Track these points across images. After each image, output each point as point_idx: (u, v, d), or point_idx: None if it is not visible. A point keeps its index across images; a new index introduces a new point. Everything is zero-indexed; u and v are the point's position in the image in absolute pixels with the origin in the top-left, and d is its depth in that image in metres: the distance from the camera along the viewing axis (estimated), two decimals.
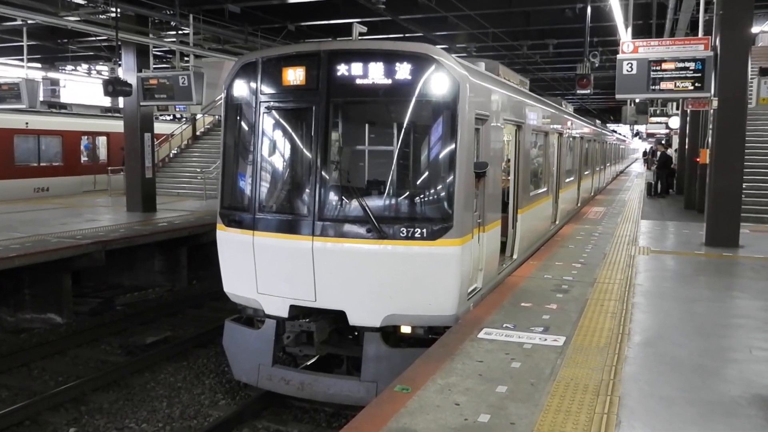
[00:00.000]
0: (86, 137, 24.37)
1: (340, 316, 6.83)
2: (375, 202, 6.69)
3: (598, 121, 35.14)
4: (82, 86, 33.88)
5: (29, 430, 7.52)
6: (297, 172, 7.26)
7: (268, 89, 7.15)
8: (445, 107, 6.61)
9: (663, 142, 32.12)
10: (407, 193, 6.81)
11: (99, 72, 28.93)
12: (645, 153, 56.35)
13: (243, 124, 7.45)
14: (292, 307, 6.96)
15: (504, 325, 6.23)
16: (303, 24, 18.74)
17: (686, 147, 21.49)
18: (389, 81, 6.59)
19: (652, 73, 10.46)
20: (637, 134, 68.53)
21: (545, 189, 11.80)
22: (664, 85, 10.46)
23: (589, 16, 15.30)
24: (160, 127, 23.60)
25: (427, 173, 6.87)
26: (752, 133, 15.91)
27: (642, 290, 7.88)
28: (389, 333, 6.87)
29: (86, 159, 24.34)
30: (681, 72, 10.37)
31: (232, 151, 7.64)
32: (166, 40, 17.48)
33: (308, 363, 8.07)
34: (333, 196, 6.81)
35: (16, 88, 14.64)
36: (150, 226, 14.31)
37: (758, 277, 8.85)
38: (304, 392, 6.95)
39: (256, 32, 19.21)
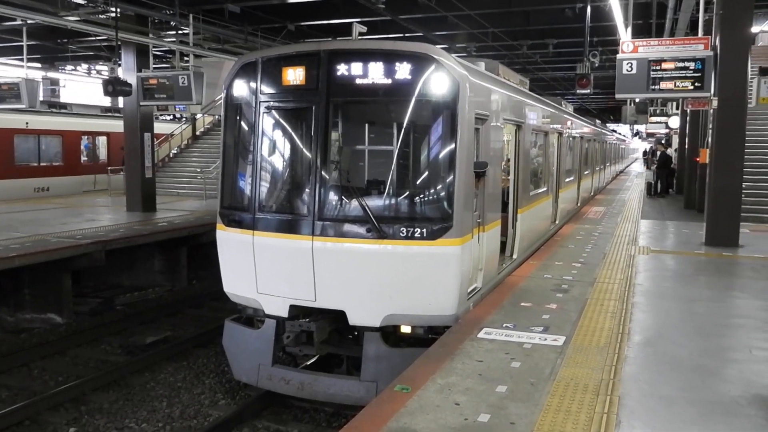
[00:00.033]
0: (86, 137, 24.37)
1: (340, 315, 6.83)
2: (375, 202, 6.69)
3: (597, 121, 35.14)
4: (81, 86, 33.89)
5: (29, 429, 7.52)
6: (297, 172, 7.26)
7: (267, 89, 7.15)
8: (444, 107, 6.61)
9: (663, 141, 32.12)
10: (407, 192, 6.80)
11: (99, 72, 28.93)
12: (645, 153, 56.36)
13: (243, 123, 7.45)
14: (291, 306, 6.97)
15: (504, 325, 6.23)
16: (303, 24, 18.74)
17: (686, 147, 21.50)
18: (389, 81, 6.59)
19: (651, 72, 10.46)
20: (636, 134, 68.51)
21: (545, 189, 11.80)
22: (663, 85, 10.46)
23: (588, 16, 15.29)
24: (159, 127, 23.60)
25: (426, 173, 6.87)
26: (752, 133, 15.90)
27: (642, 290, 7.88)
28: (389, 333, 6.87)
29: (86, 159, 24.34)
30: (681, 72, 10.36)
31: (231, 150, 7.64)
32: (165, 39, 17.48)
33: (308, 363, 8.06)
34: (333, 196, 6.81)
35: (15, 87, 14.64)
36: (150, 225, 14.31)
37: (758, 276, 8.85)
38: (304, 392, 6.95)
39: (256, 32, 19.20)
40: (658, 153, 27.13)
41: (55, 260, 11.03)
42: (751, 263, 9.76)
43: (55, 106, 27.69)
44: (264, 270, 7.07)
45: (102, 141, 25.07)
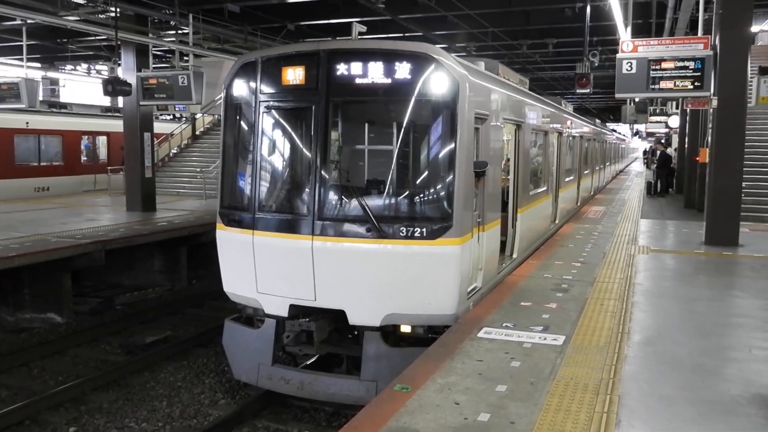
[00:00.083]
0: (86, 137, 24.37)
1: (339, 315, 6.83)
2: (375, 202, 6.69)
3: (597, 120, 35.15)
4: (81, 86, 33.87)
5: (29, 429, 7.53)
6: (297, 172, 7.26)
7: (267, 89, 7.15)
8: (444, 106, 6.61)
9: (663, 141, 32.10)
10: (407, 192, 6.81)
11: (98, 71, 28.92)
12: (645, 152, 56.36)
13: (242, 123, 7.45)
14: (291, 306, 6.97)
15: (504, 325, 6.24)
16: (302, 23, 18.74)
17: (686, 146, 21.49)
18: (389, 80, 6.59)
19: (651, 72, 10.46)
20: (636, 133, 68.53)
21: (545, 188, 11.80)
22: (663, 84, 10.46)
23: (588, 16, 15.29)
24: (159, 127, 23.59)
25: (426, 173, 6.87)
26: (752, 132, 15.90)
27: (642, 289, 7.88)
28: (389, 332, 6.87)
29: (86, 159, 24.35)
30: (680, 71, 10.37)
31: (231, 150, 7.64)
32: (165, 39, 17.49)
33: (308, 362, 8.06)
34: (333, 196, 6.81)
35: (15, 87, 14.63)
36: (150, 225, 14.31)
37: (758, 276, 8.85)
38: (304, 391, 6.95)
39: (256, 32, 19.20)
40: (658, 152, 27.12)
41: (55, 260, 11.03)
42: (751, 263, 9.76)
43: (55, 105, 27.68)
44: (264, 269, 7.07)
45: (102, 141, 25.07)
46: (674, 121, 26.82)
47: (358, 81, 6.67)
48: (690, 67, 10.33)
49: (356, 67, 6.65)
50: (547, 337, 5.84)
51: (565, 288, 7.82)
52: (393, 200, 6.77)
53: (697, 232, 12.32)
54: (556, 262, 9.48)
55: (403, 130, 6.78)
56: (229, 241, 7.39)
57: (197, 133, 27.00)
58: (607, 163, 29.70)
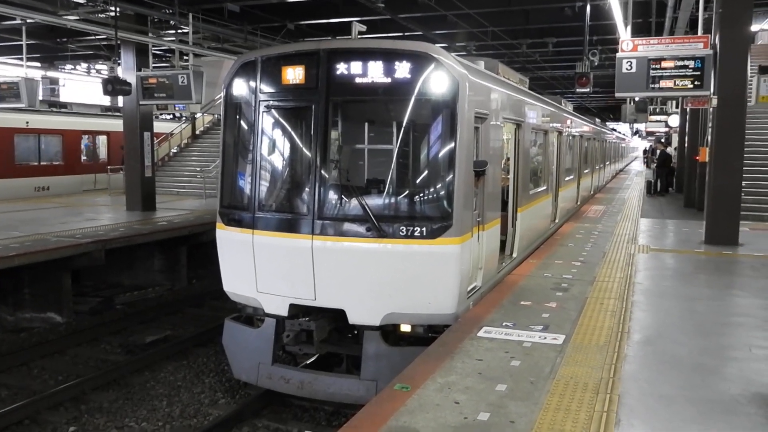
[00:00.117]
0: (86, 136, 24.37)
1: (339, 314, 6.83)
2: (374, 201, 6.69)
3: (597, 120, 35.16)
4: (81, 85, 33.86)
5: (29, 429, 7.53)
6: (296, 171, 7.26)
7: (267, 88, 7.15)
8: (444, 106, 6.61)
9: (662, 140, 32.08)
10: (407, 191, 6.81)
11: (98, 71, 28.91)
12: (645, 151, 56.34)
13: (242, 123, 7.45)
14: (291, 305, 6.97)
15: (504, 324, 6.24)
16: (302, 23, 18.73)
17: (686, 145, 21.48)
18: (389, 80, 6.59)
19: (651, 71, 10.46)
20: (636, 133, 68.51)
21: (545, 187, 11.80)
22: (663, 84, 10.47)
23: (588, 15, 15.29)
24: (159, 126, 23.59)
25: (426, 172, 6.87)
26: (752, 132, 15.90)
27: (641, 288, 7.88)
28: (389, 331, 6.87)
29: (86, 158, 24.34)
30: (680, 70, 10.37)
31: (231, 150, 7.64)
32: (165, 39, 17.49)
33: (308, 362, 8.06)
34: (332, 195, 6.81)
35: (15, 87, 14.63)
36: (149, 225, 14.31)
37: (758, 275, 8.85)
38: (304, 391, 6.96)
39: (256, 31, 19.19)
40: (658, 152, 27.11)
41: (55, 259, 11.03)
42: (751, 262, 9.76)
43: (55, 105, 27.67)
44: (264, 269, 7.07)
45: (102, 140, 25.07)
46: (674, 121, 26.82)
47: (358, 80, 6.67)
48: (690, 66, 10.33)
49: (356, 67, 6.65)
50: (547, 337, 5.84)
51: (565, 287, 7.82)
52: (393, 199, 6.76)
53: (697, 231, 12.32)
54: (556, 261, 9.48)
55: (402, 129, 6.78)
56: (229, 240, 7.39)
57: (197, 132, 27.00)
58: (607, 163, 29.70)
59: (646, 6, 16.45)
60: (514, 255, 9.44)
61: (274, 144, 7.36)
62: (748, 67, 11.20)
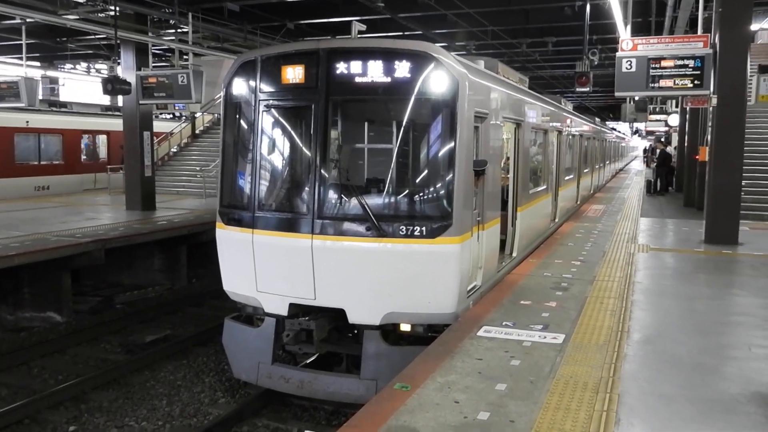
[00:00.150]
0: (86, 136, 24.37)
1: (339, 314, 6.83)
2: (374, 200, 6.69)
3: (597, 119, 35.16)
4: (81, 85, 33.85)
5: (29, 428, 7.53)
6: (296, 171, 7.26)
7: (267, 87, 7.15)
8: (444, 105, 6.61)
9: (662, 139, 32.08)
10: (407, 191, 6.81)
11: (98, 70, 28.89)
12: (645, 150, 56.34)
13: (242, 122, 7.45)
14: (291, 305, 6.97)
15: (503, 323, 6.24)
16: (302, 22, 18.72)
17: (686, 144, 21.49)
18: (388, 79, 6.59)
19: (651, 70, 10.47)
20: (636, 132, 68.52)
21: (545, 187, 11.80)
22: (663, 83, 10.47)
23: (588, 14, 15.27)
24: (159, 126, 23.59)
25: (426, 171, 6.87)
26: (751, 131, 15.90)
27: (641, 288, 7.89)
28: (389, 331, 6.87)
29: (86, 157, 24.34)
30: (680, 69, 10.37)
31: (231, 149, 7.64)
32: (165, 38, 17.47)
33: (308, 361, 8.07)
34: (332, 195, 6.81)
35: (15, 86, 14.64)
36: (149, 224, 14.30)
37: (758, 274, 8.86)
38: (304, 390, 6.96)
39: (255, 30, 19.18)
40: (658, 151, 27.11)
41: (55, 259, 11.02)
42: (751, 261, 9.77)
43: (55, 104, 27.68)
44: (263, 268, 7.07)
45: (102, 140, 25.08)
46: (674, 120, 26.81)
47: (357, 80, 6.67)
48: (690, 66, 10.34)
49: (356, 66, 6.65)
50: (546, 336, 5.84)
51: (564, 286, 7.83)
52: (393, 199, 6.76)
53: (696, 231, 12.32)
54: (556, 260, 9.48)
55: (402, 128, 6.77)
56: (229, 239, 7.39)
57: (197, 132, 26.99)
58: (607, 162, 29.71)
59: (645, 5, 16.45)
60: (514, 254, 9.45)
61: (273, 143, 7.36)
62: (748, 67, 11.19)
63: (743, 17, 10.93)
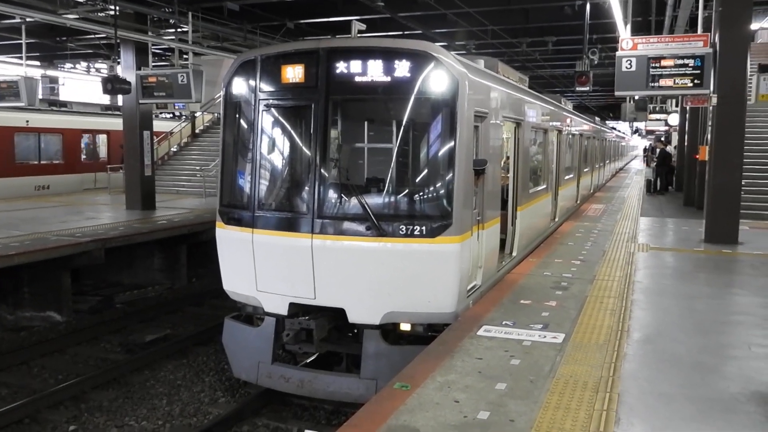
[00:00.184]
0: (86, 135, 24.37)
1: (339, 313, 6.83)
2: (374, 200, 6.69)
3: (597, 118, 35.16)
4: (81, 84, 33.79)
5: (29, 428, 7.53)
6: (296, 170, 7.25)
7: (267, 87, 7.15)
8: (444, 104, 6.61)
9: (662, 139, 32.07)
10: (406, 190, 6.81)
11: (98, 70, 28.87)
12: (645, 150, 56.32)
13: (242, 121, 7.45)
14: (291, 304, 6.97)
15: (503, 323, 6.24)
16: (302, 21, 18.71)
17: (685, 144, 21.49)
18: (388, 78, 6.59)
19: (651, 70, 10.47)
20: (636, 131, 68.45)
21: (544, 186, 11.80)
22: (663, 82, 10.47)
23: (588, 13, 15.27)
24: (159, 125, 23.59)
25: (426, 171, 6.87)
26: (751, 130, 15.90)
27: (641, 287, 7.89)
28: (389, 330, 6.87)
29: (86, 157, 24.34)
30: (680, 69, 10.37)
31: (231, 148, 7.64)
32: (165, 37, 17.46)
33: (308, 360, 8.07)
34: (332, 194, 6.81)
35: (15, 86, 14.62)
36: (149, 224, 14.30)
37: (757, 273, 8.85)
38: (304, 389, 6.96)
39: (255, 30, 19.17)
40: (658, 150, 27.10)
41: (55, 258, 11.02)
42: (751, 260, 9.77)
43: (55, 104, 27.67)
44: (263, 268, 7.07)
45: (102, 139, 25.08)
46: (674, 119, 26.82)
47: (357, 79, 6.67)
48: (690, 65, 10.34)
49: (356, 65, 6.65)
50: (546, 335, 5.84)
51: (564, 286, 7.83)
52: (392, 198, 6.76)
53: (696, 230, 12.32)
54: (556, 260, 9.48)
55: (402, 128, 6.77)
56: (229, 239, 7.39)
57: (197, 131, 26.98)
58: (607, 161, 29.71)
59: (645, 4, 16.43)
60: (514, 254, 9.45)
61: (273, 143, 7.36)
62: (748, 66, 11.19)
63: (743, 16, 10.93)
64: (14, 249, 10.61)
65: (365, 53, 6.69)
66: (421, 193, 6.78)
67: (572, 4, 16.36)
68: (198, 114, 26.45)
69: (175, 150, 26.08)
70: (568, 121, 15.21)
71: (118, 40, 15.24)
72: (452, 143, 6.57)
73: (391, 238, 6.48)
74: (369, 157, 7.32)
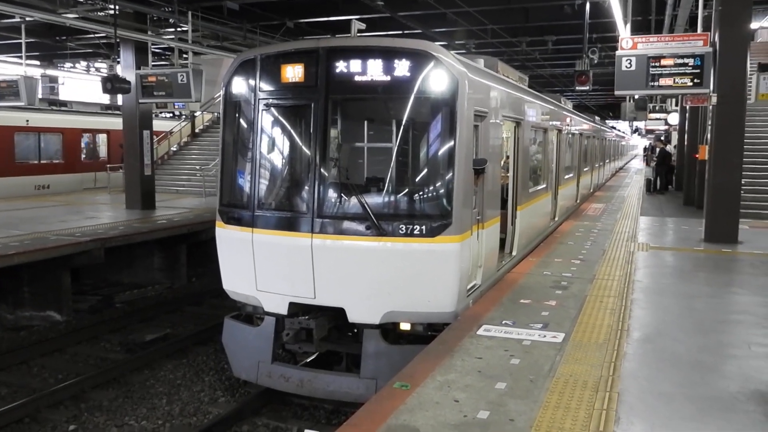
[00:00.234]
0: (86, 135, 24.36)
1: (339, 313, 6.83)
2: (374, 199, 6.69)
3: (597, 118, 35.14)
4: (81, 83, 33.79)
5: (29, 427, 7.53)
6: (296, 170, 7.25)
7: (266, 86, 7.14)
8: (443, 104, 6.61)
9: (662, 138, 32.07)
10: (406, 190, 6.81)
11: (98, 69, 28.86)
12: (645, 149, 56.32)
13: (242, 121, 7.45)
14: (291, 304, 6.96)
15: (503, 322, 6.24)
16: (302, 21, 18.69)
17: (685, 143, 21.48)
18: (388, 78, 6.59)
19: (651, 69, 10.46)
20: (636, 131, 68.48)
21: (544, 186, 11.80)
22: (663, 82, 10.46)
23: (587, 13, 15.26)
24: (159, 125, 23.58)
25: (426, 170, 6.87)
26: (751, 129, 15.90)
27: (641, 286, 7.89)
28: (388, 330, 6.87)
29: (86, 156, 24.33)
30: (680, 68, 10.36)
31: (231, 148, 7.64)
32: (164, 37, 17.45)
33: (307, 360, 8.07)
34: (332, 194, 6.81)
35: (14, 85, 14.62)
36: (149, 223, 14.30)
37: (757, 273, 8.86)
38: (304, 389, 6.96)
39: (255, 29, 19.16)
40: (658, 149, 27.10)
41: (55, 258, 11.02)
42: (751, 260, 9.77)
43: (54, 103, 27.66)
44: (263, 267, 7.07)
45: (102, 138, 25.07)
46: (674, 118, 26.82)
47: (357, 78, 6.66)
48: (689, 64, 10.33)
49: (355, 65, 6.65)
50: (546, 335, 5.85)
51: (564, 285, 7.83)
52: (392, 198, 6.76)
53: (696, 229, 12.32)
54: (556, 259, 9.48)
55: (402, 127, 6.77)
56: (229, 239, 7.39)
57: (196, 130, 26.98)
58: (607, 161, 29.70)
59: (645, 3, 16.42)
60: (514, 253, 9.45)
61: (273, 142, 7.35)
62: (748, 65, 11.19)
63: (743, 15, 10.93)
64: (14, 248, 10.61)
65: (365, 53, 6.69)
66: (420, 193, 6.78)
67: (572, 3, 16.34)
68: (198, 113, 26.45)
69: (174, 149, 26.08)
70: (568, 120, 15.21)
71: (118, 40, 15.23)
72: (452, 143, 6.57)
73: (390, 238, 6.48)
74: (369, 157, 7.32)
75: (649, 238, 11.90)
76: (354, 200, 6.67)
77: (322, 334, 7.03)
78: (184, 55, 16.71)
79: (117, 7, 14.46)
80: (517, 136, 9.42)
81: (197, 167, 22.26)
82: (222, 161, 7.70)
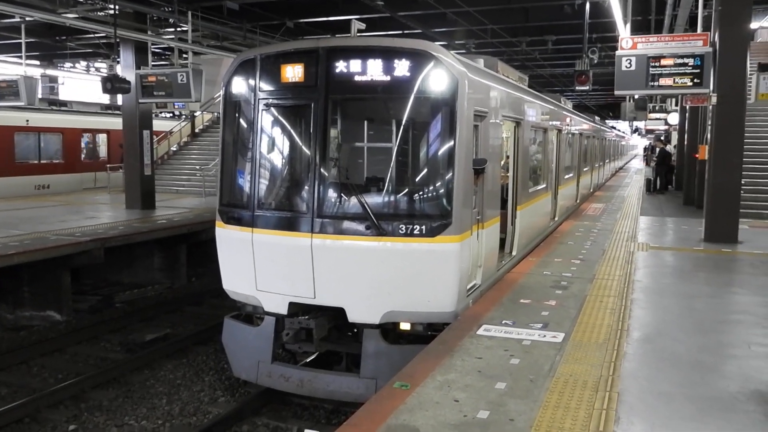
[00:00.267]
0: (86, 134, 24.36)
1: (339, 313, 6.84)
2: (374, 199, 6.69)
3: (597, 118, 35.15)
4: (80, 83, 33.79)
5: (29, 427, 7.53)
6: (296, 170, 7.25)
7: (266, 86, 7.14)
8: (443, 104, 6.61)
9: (662, 138, 32.06)
10: (406, 189, 6.81)
11: (98, 69, 28.85)
12: (645, 149, 56.34)
13: (242, 121, 7.45)
14: (291, 304, 6.96)
15: (503, 322, 6.24)
16: (302, 21, 18.69)
17: (685, 143, 21.48)
18: (388, 78, 6.59)
19: (651, 69, 10.46)
20: (636, 130, 68.48)
21: (544, 185, 11.80)
22: (663, 81, 10.46)
23: (587, 12, 15.26)
24: (158, 124, 23.57)
25: (426, 170, 6.87)
26: (751, 129, 15.90)
27: (641, 286, 7.89)
28: (388, 330, 6.87)
29: (86, 156, 24.33)
30: (680, 68, 10.36)
31: (230, 148, 7.64)
32: (164, 37, 17.45)
33: (307, 360, 8.07)
34: (332, 193, 6.81)
35: (14, 85, 14.62)
36: (149, 223, 14.30)
37: (757, 272, 8.86)
38: (304, 389, 6.96)
39: (255, 29, 19.16)
40: (658, 149, 27.10)
41: (55, 258, 11.02)
42: (750, 259, 9.77)
43: (54, 103, 27.66)
44: (263, 267, 7.07)
45: (102, 138, 25.07)
46: (673, 118, 26.82)
47: (357, 78, 6.66)
48: (689, 64, 10.33)
49: (355, 65, 6.65)
50: (546, 335, 5.85)
51: (564, 285, 7.83)
52: (392, 198, 6.76)
53: (696, 229, 12.32)
54: (556, 259, 9.48)
55: (402, 127, 6.78)
56: (229, 238, 7.39)
57: (196, 130, 26.98)
58: (607, 161, 29.71)
59: (645, 3, 16.41)
60: (514, 253, 9.45)
61: (273, 142, 7.35)
62: (748, 65, 11.20)
63: (743, 15, 10.93)
64: (14, 248, 10.61)
65: (365, 52, 6.69)
66: (420, 193, 6.78)
67: (572, 3, 16.34)
68: (197, 113, 26.44)
69: (174, 149, 26.07)
70: (568, 120, 15.21)
71: (118, 40, 15.23)
72: (452, 142, 6.57)
73: (390, 238, 6.48)
74: (369, 157, 7.32)
75: (649, 237, 11.90)
76: (354, 200, 6.67)
77: (322, 333, 7.03)
78: (184, 55, 16.71)
79: (117, 7, 14.46)
80: (517, 136, 9.42)
81: (197, 167, 22.26)
82: (222, 161, 7.70)
